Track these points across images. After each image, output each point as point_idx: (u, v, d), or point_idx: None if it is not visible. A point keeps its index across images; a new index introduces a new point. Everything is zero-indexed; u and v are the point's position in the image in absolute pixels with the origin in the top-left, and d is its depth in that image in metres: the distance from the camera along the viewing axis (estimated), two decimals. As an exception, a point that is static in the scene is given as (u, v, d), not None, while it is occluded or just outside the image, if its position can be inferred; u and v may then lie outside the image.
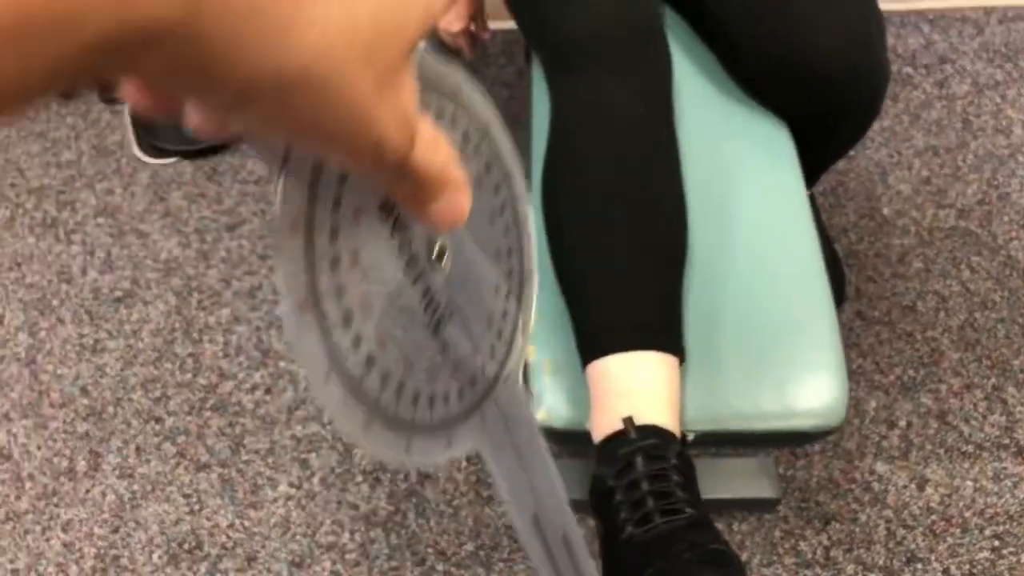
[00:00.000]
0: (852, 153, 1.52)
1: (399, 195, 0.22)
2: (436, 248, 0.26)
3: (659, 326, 0.77)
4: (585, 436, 0.78)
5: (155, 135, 1.60)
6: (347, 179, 0.22)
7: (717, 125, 0.97)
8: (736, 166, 0.94)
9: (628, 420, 0.70)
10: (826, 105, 0.92)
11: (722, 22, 0.95)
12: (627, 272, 0.78)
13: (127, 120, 1.67)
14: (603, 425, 0.73)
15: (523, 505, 0.32)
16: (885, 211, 1.47)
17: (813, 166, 1.11)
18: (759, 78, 0.94)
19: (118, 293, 1.45)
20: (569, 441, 0.81)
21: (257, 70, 0.15)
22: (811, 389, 0.79)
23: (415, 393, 0.24)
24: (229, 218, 1.52)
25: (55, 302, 1.45)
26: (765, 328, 0.82)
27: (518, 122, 1.63)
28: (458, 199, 0.22)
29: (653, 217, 0.81)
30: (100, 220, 1.54)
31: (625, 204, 0.80)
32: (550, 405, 0.80)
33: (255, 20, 0.15)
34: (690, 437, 0.78)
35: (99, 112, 1.70)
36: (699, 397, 0.79)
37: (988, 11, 1.72)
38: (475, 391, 0.28)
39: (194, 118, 0.18)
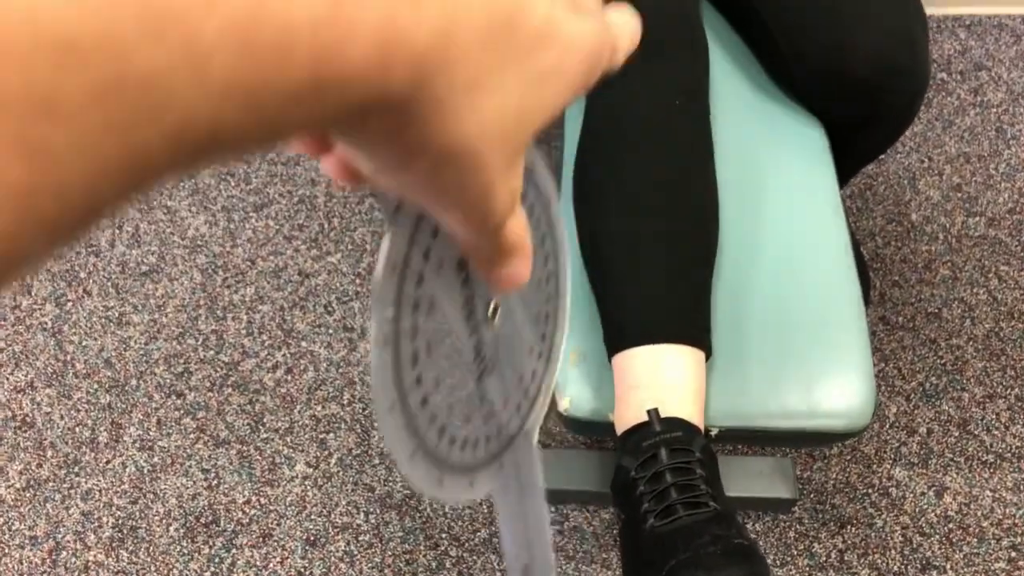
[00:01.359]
0: (882, 157, 1.51)
1: (477, 256, 0.24)
2: (492, 306, 0.28)
3: (687, 320, 0.77)
4: (607, 427, 0.78)
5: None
6: (439, 233, 0.24)
7: (752, 122, 0.96)
8: (770, 164, 0.93)
9: (653, 412, 0.70)
10: (865, 105, 0.91)
11: (763, 18, 0.94)
12: (657, 265, 0.78)
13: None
14: (627, 416, 0.73)
15: (519, 555, 0.34)
16: (914, 216, 1.46)
17: (844, 168, 1.10)
18: (798, 76, 0.94)
19: (144, 268, 1.46)
20: (591, 431, 0.81)
21: (428, 142, 0.18)
22: (838, 390, 0.78)
23: (452, 435, 0.27)
24: (257, 198, 1.53)
25: (82, 274, 1.46)
26: (794, 327, 0.82)
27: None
28: (523, 267, 0.24)
29: (684, 212, 0.81)
30: (129, 195, 1.55)
31: (657, 197, 0.80)
32: (574, 395, 0.80)
33: (448, 98, 0.17)
34: (714, 432, 0.78)
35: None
36: (725, 393, 0.79)
37: (1027, 19, 1.70)
38: (499, 441, 0.30)
39: (335, 165, 0.21)
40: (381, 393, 0.23)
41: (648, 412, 0.70)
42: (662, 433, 0.68)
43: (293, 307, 1.40)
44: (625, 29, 0.24)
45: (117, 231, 1.51)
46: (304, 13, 0.14)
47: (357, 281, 1.43)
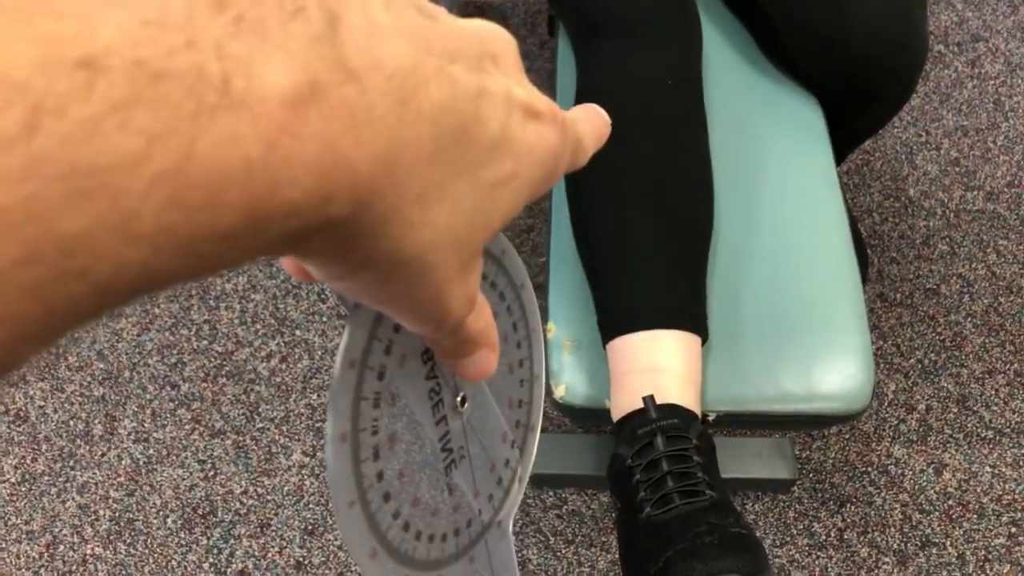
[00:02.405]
0: (879, 132, 1.49)
1: (440, 350, 0.24)
2: (460, 395, 0.28)
3: (682, 305, 0.76)
4: (604, 413, 0.77)
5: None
6: (401, 329, 0.24)
7: (746, 100, 0.95)
8: (765, 142, 0.92)
9: (649, 399, 0.69)
10: (863, 81, 0.89)
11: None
12: (651, 250, 0.76)
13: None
14: (623, 403, 0.72)
15: None
16: (911, 192, 1.45)
17: (841, 146, 1.09)
18: (795, 51, 0.92)
19: (135, 258, 1.45)
20: (587, 418, 0.80)
21: (375, 255, 0.18)
22: (836, 372, 0.78)
23: (418, 530, 0.26)
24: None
25: (72, 265, 1.45)
26: (790, 309, 0.81)
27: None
28: (487, 359, 0.24)
29: (678, 194, 0.79)
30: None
31: (650, 180, 0.78)
32: (569, 382, 0.79)
33: (393, 215, 0.17)
34: (711, 417, 0.77)
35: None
36: (721, 377, 0.78)
37: (1024, -12, 1.67)
38: (470, 533, 0.29)
39: (289, 263, 0.21)
40: (340, 490, 0.23)
41: (644, 399, 0.69)
42: (658, 420, 0.67)
43: (286, 295, 1.39)
44: (590, 127, 0.24)
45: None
46: (236, 158, 0.13)
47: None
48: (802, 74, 0.94)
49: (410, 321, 0.21)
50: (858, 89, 0.91)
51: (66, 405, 1.31)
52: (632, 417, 0.70)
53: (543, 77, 1.63)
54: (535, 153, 0.20)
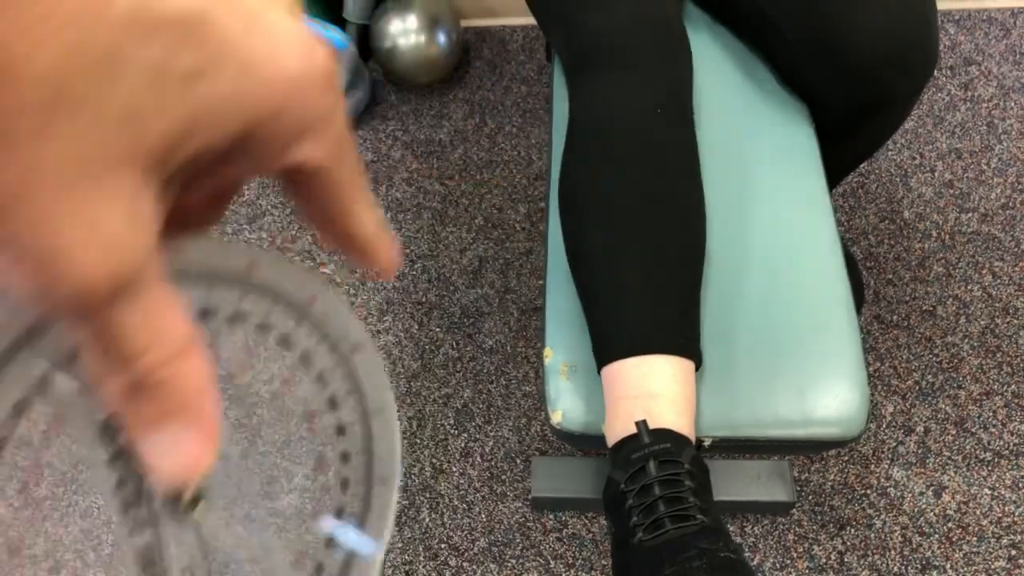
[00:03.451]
0: (874, 155, 1.50)
1: (110, 398, 0.16)
2: (188, 493, 0.18)
3: (675, 330, 0.77)
4: (601, 439, 0.78)
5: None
6: (50, 383, 0.16)
7: (737, 125, 0.96)
8: (757, 167, 0.93)
9: (642, 423, 0.70)
10: (875, 80, 0.89)
11: (760, 7, 0.93)
12: (643, 276, 0.77)
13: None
14: (617, 428, 0.73)
15: None
16: (906, 214, 1.46)
17: (838, 167, 1.10)
18: (803, 58, 0.92)
19: (138, 284, 1.46)
20: (586, 443, 0.81)
21: None
22: (831, 397, 0.78)
23: None
24: (250, 210, 1.53)
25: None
26: (784, 334, 0.82)
27: (537, 118, 1.63)
28: (193, 442, 0.16)
29: (671, 219, 0.80)
30: (121, 211, 1.56)
31: (642, 207, 0.80)
32: (566, 408, 0.80)
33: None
34: (706, 443, 0.77)
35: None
36: (716, 403, 0.79)
37: (1016, 12, 1.69)
38: None
39: None
40: None
41: (636, 424, 0.70)
42: (651, 445, 0.68)
43: (287, 320, 1.40)
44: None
45: (110, 247, 1.51)
46: None
47: (351, 292, 1.43)
48: (806, 86, 0.94)
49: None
50: (869, 92, 0.91)
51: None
52: (626, 442, 0.71)
53: (541, 101, 1.65)
54: (276, 62, 0.16)
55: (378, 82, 1.70)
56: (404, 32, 1.54)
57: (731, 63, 1.01)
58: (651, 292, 0.77)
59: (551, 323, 0.85)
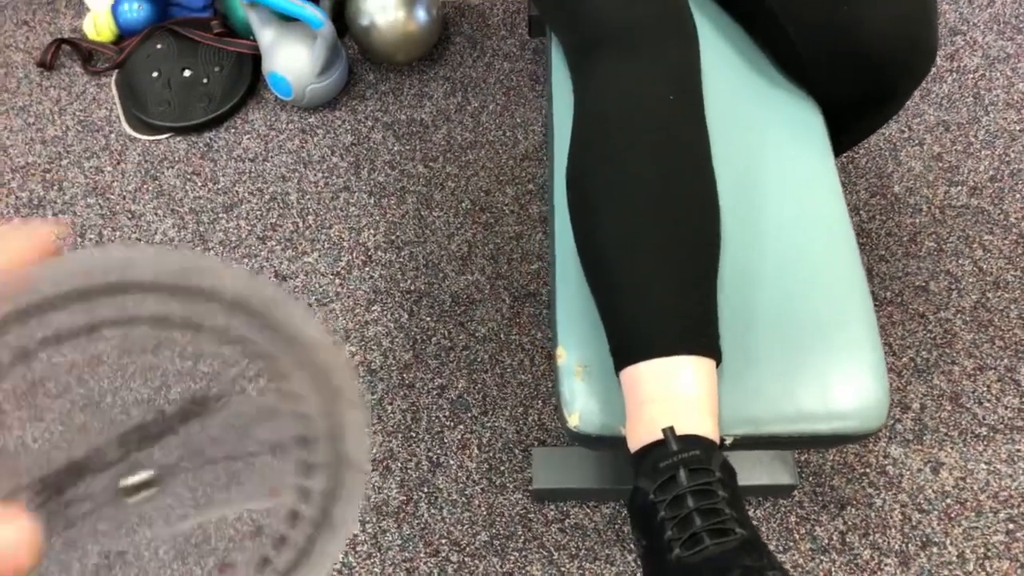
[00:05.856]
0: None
1: None
2: None
3: (695, 328, 0.74)
4: (619, 440, 0.76)
5: (145, 110, 1.54)
6: None
7: (748, 112, 0.94)
8: (767, 155, 0.91)
9: (669, 430, 0.67)
10: (879, 79, 0.88)
11: (767, 4, 0.91)
12: (660, 273, 0.75)
13: (115, 93, 1.60)
14: (640, 434, 0.70)
15: None
16: (896, 189, 1.45)
17: (836, 150, 1.08)
18: (808, 56, 0.90)
19: (112, 278, 1.40)
20: (603, 445, 0.79)
21: None
22: (852, 390, 0.77)
23: None
24: (226, 198, 1.47)
25: (47, 288, 1.40)
26: (802, 325, 0.80)
27: (521, 96, 1.59)
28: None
29: (685, 214, 0.78)
30: (90, 200, 1.49)
31: (656, 201, 0.77)
32: (582, 410, 0.77)
33: None
34: (728, 441, 0.76)
35: (84, 85, 1.63)
36: (736, 400, 0.77)
37: (999, -20, 1.68)
38: None
39: None
40: None
41: (663, 431, 0.67)
42: (679, 452, 0.66)
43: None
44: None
45: (79, 239, 1.44)
46: None
47: (336, 281, 1.38)
48: (810, 80, 0.92)
49: None
50: (873, 89, 0.90)
51: (46, 434, 1.27)
52: (651, 449, 0.69)
53: (524, 78, 1.61)
54: None
55: (354, 60, 1.63)
56: (382, 8, 1.48)
57: (737, 50, 0.98)
58: (669, 290, 0.74)
59: (562, 323, 0.82)
